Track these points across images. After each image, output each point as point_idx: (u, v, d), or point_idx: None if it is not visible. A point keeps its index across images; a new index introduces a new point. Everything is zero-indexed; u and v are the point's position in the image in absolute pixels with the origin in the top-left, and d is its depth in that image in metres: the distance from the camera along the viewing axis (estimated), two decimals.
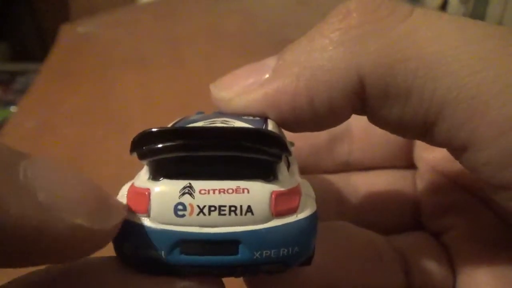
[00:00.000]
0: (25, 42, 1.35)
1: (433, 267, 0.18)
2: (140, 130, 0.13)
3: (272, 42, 0.58)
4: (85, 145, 0.44)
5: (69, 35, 0.70)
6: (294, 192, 0.13)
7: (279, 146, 0.13)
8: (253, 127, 0.14)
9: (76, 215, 0.11)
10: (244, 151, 0.13)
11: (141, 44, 0.67)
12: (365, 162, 0.22)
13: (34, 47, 1.32)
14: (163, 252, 0.13)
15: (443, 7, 0.76)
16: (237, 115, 0.16)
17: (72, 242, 0.11)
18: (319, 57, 0.15)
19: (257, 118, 0.16)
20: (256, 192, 0.13)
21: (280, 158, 0.13)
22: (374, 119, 0.16)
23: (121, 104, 0.51)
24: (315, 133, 0.21)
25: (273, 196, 0.13)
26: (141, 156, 0.13)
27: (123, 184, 0.15)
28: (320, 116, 0.15)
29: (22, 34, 1.34)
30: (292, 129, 0.16)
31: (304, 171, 0.15)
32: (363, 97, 0.15)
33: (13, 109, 0.76)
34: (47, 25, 1.25)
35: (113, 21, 0.75)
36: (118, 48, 0.66)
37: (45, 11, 1.35)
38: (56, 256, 0.11)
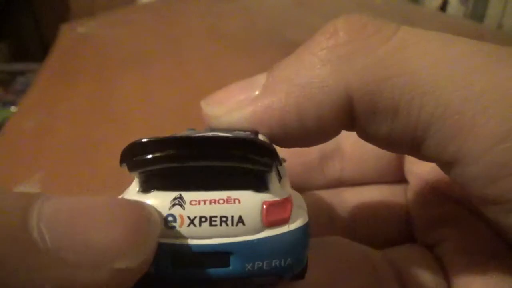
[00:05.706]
0: (25, 42, 1.35)
1: (427, 279, 0.18)
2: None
3: (272, 42, 0.58)
4: (85, 145, 0.44)
5: (69, 35, 0.70)
6: (286, 202, 0.13)
7: (270, 155, 0.13)
8: (243, 136, 0.14)
9: (113, 260, 0.10)
10: (235, 160, 0.13)
11: (141, 44, 0.67)
12: (357, 179, 0.22)
13: (34, 47, 1.32)
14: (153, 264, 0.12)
15: (443, 7, 0.76)
16: (228, 131, 0.16)
17: (115, 283, 0.10)
18: (308, 74, 0.15)
19: (248, 133, 0.16)
20: (247, 202, 0.13)
21: (270, 167, 0.13)
22: (364, 135, 0.16)
23: (121, 104, 0.51)
24: (307, 152, 0.22)
25: (264, 206, 0.13)
26: (131, 168, 0.13)
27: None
28: (310, 132, 0.15)
29: (22, 34, 1.34)
30: (282, 145, 0.16)
31: (296, 189, 0.15)
32: (352, 114, 0.15)
33: (13, 109, 0.76)
34: (47, 25, 1.25)
35: (113, 21, 0.75)
36: (118, 48, 0.66)
37: (45, 11, 1.35)
38: None
